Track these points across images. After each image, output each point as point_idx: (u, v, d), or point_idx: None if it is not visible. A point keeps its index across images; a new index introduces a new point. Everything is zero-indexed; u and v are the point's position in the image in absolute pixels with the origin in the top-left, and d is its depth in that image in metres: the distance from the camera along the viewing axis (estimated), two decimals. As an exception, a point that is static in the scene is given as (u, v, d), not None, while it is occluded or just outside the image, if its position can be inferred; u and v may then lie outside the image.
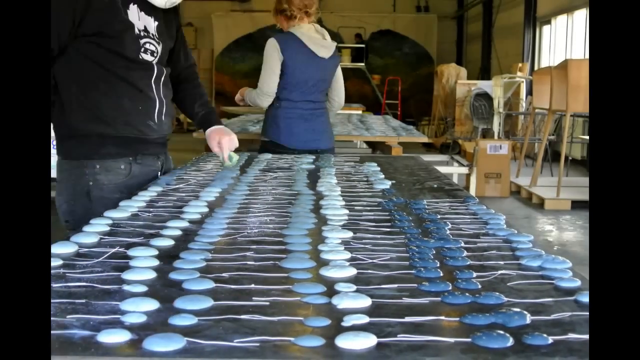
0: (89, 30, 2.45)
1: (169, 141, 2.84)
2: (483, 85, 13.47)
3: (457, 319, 1.21)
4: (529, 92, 12.06)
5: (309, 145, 3.89)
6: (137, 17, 2.57)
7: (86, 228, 1.81)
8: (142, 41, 2.58)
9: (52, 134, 2.55)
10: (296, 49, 3.91)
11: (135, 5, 2.57)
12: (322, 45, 3.93)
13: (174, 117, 2.86)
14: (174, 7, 2.75)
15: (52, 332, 1.10)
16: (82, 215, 2.40)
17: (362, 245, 1.69)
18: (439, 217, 2.02)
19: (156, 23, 2.65)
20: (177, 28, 2.86)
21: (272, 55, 3.95)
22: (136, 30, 2.56)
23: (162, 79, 2.67)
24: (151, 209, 2.09)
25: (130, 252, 1.58)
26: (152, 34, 2.63)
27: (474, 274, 1.46)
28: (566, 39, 13.32)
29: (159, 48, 2.65)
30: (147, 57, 2.61)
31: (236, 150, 2.90)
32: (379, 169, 3.03)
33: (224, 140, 2.82)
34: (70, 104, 2.53)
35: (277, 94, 4.01)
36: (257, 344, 1.08)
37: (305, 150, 3.78)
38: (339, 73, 4.15)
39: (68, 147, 2.59)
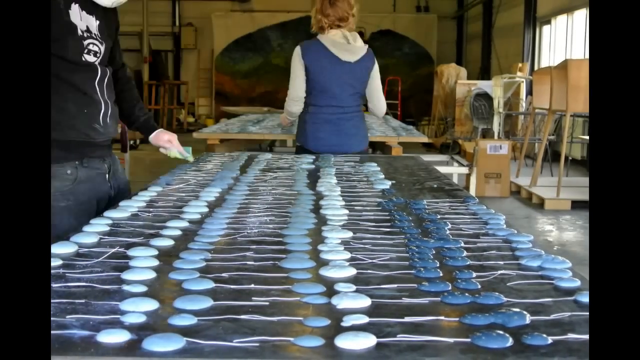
0: None
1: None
2: (483, 85, 13.47)
3: (457, 319, 1.21)
4: (529, 92, 12.06)
5: (335, 149, 3.86)
6: (79, 17, 2.47)
7: (86, 228, 1.81)
8: (86, 42, 2.48)
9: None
10: (318, 53, 3.90)
11: (77, 5, 2.47)
12: (346, 49, 3.90)
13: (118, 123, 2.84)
14: (112, 8, 2.67)
15: (52, 332, 1.10)
16: None
17: (362, 245, 1.69)
18: (438, 217, 2.02)
19: (97, 22, 2.55)
20: (116, 27, 2.76)
21: (295, 61, 3.99)
22: (79, 32, 2.46)
23: (106, 80, 2.58)
24: (151, 209, 2.09)
25: (130, 252, 1.58)
26: (95, 34, 2.53)
27: (474, 274, 1.46)
28: (566, 39, 13.32)
29: (102, 48, 2.55)
30: (90, 58, 2.50)
31: (237, 150, 2.92)
32: (379, 169, 3.03)
33: (174, 138, 2.91)
34: None
35: (305, 99, 4.00)
36: (257, 344, 1.09)
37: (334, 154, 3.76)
38: (373, 77, 4.06)
39: None
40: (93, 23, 2.53)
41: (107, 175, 2.64)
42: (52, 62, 2.31)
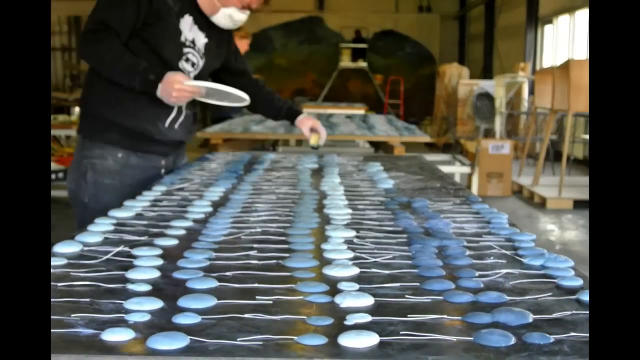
0: (143, 24, 2.52)
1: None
2: (485, 85, 13.46)
3: (459, 317, 1.22)
4: (531, 92, 12.05)
5: None
6: (188, 28, 2.63)
7: (91, 227, 1.82)
8: (185, 50, 2.64)
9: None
10: None
11: (191, 18, 2.64)
12: None
13: (194, 131, 2.94)
14: (229, 30, 2.84)
15: (56, 330, 1.11)
16: (80, 195, 2.63)
17: (365, 244, 1.70)
18: (441, 216, 2.02)
19: (206, 40, 2.72)
20: (231, 49, 2.95)
21: None
22: (182, 38, 2.61)
23: None
24: (155, 209, 2.09)
25: (135, 252, 1.59)
26: (199, 49, 2.69)
27: (476, 273, 1.46)
28: (568, 38, 13.31)
29: (201, 62, 2.70)
30: (187, 67, 2.65)
31: (240, 150, 2.94)
32: (382, 168, 3.04)
33: (317, 124, 3.08)
34: (93, 84, 2.62)
35: None
36: (260, 343, 1.09)
37: None
38: None
39: (82, 125, 2.71)
40: (201, 39, 2.70)
41: (162, 171, 2.77)
42: (147, 57, 2.50)
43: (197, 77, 2.68)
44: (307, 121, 3.07)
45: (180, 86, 2.43)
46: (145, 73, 2.44)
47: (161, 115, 2.65)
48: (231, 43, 2.98)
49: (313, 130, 3.06)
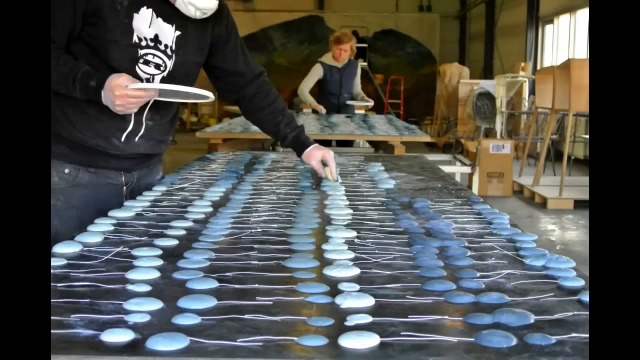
0: (84, 29, 2.17)
1: (174, 144, 2.76)
2: (485, 84, 13.45)
3: (461, 318, 1.21)
4: (532, 92, 12.05)
5: None
6: (147, 23, 2.21)
7: (90, 227, 1.82)
8: (142, 52, 2.23)
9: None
10: None
11: (150, 10, 2.22)
12: None
13: (168, 141, 2.51)
14: (219, 14, 2.40)
15: (56, 331, 1.11)
16: None
17: (366, 245, 1.69)
18: (442, 216, 2.02)
19: (177, 33, 2.29)
20: (224, 39, 2.50)
21: None
22: (135, 39, 2.20)
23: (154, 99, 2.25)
24: (155, 209, 2.09)
25: (134, 252, 1.59)
26: (166, 45, 2.27)
27: (478, 274, 1.46)
28: (569, 38, 13.30)
29: (169, 62, 2.29)
30: (149, 69, 2.25)
31: (240, 149, 2.92)
32: (382, 168, 3.03)
33: (329, 158, 2.59)
34: None
35: None
36: (261, 344, 1.09)
37: None
38: None
39: None
40: (169, 33, 2.27)
41: (124, 188, 2.40)
42: (94, 64, 2.15)
43: (168, 79, 2.29)
44: (315, 153, 2.61)
45: (122, 91, 2.05)
46: (85, 79, 2.08)
47: (114, 129, 2.27)
48: (222, 30, 2.48)
49: (324, 163, 2.61)
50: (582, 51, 12.45)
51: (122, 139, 2.29)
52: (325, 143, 6.45)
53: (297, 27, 20.57)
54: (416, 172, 3.02)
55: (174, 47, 2.29)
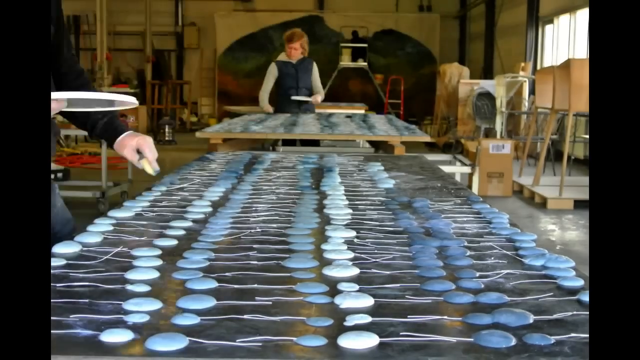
0: None
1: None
2: (485, 84, 13.45)
3: (460, 318, 1.21)
4: (532, 92, 12.04)
5: None
6: None
7: (90, 228, 1.82)
8: None
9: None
10: None
11: None
12: None
13: (57, 134, 2.26)
14: None
15: (55, 331, 1.11)
16: None
17: (365, 245, 1.69)
18: (442, 216, 2.02)
19: None
20: (60, 9, 2.19)
21: None
22: None
23: None
24: (155, 209, 2.09)
25: (134, 252, 1.59)
26: None
27: (477, 274, 1.46)
28: (569, 38, 13.30)
29: None
30: None
31: (240, 149, 2.90)
32: (382, 168, 3.03)
33: (146, 146, 2.22)
34: None
35: None
36: (260, 344, 1.09)
37: None
38: None
39: None
40: None
41: None
42: None
43: None
44: (129, 142, 2.21)
45: None
46: None
47: None
48: (57, 6, 2.16)
49: (141, 153, 2.23)
50: (582, 51, 12.45)
51: None
52: (292, 142, 6.54)
53: (297, 27, 20.56)
54: (416, 172, 3.02)
55: None
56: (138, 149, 2.22)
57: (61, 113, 2.17)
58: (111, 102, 1.98)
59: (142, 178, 8.90)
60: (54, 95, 1.82)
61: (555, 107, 8.69)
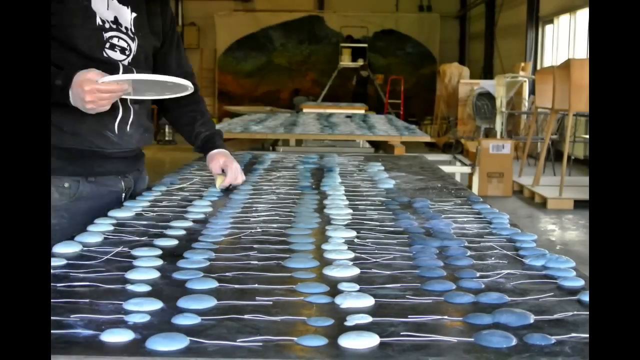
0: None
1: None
2: (485, 84, 13.45)
3: (460, 318, 1.21)
4: (532, 92, 12.05)
5: None
6: (105, 6, 2.12)
7: (90, 227, 1.82)
8: (107, 35, 2.12)
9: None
10: None
11: None
12: None
13: (151, 129, 2.39)
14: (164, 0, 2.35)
15: (56, 331, 1.11)
16: None
17: (366, 245, 1.69)
18: (442, 216, 2.02)
19: (134, 15, 2.20)
20: (169, 25, 2.39)
21: None
22: (98, 21, 2.10)
23: None
24: (155, 209, 2.09)
25: (134, 252, 1.59)
26: (126, 27, 2.18)
27: (477, 274, 1.46)
28: (569, 38, 13.31)
29: (133, 45, 2.19)
30: (115, 54, 2.14)
31: (240, 149, 2.90)
32: (382, 168, 3.03)
33: (233, 167, 2.41)
34: None
35: None
36: (260, 344, 1.09)
37: None
38: None
39: None
40: (127, 15, 2.18)
41: (123, 195, 2.30)
42: (62, 55, 2.03)
43: (132, 65, 2.18)
44: (218, 158, 2.43)
45: (92, 86, 1.91)
46: (51, 79, 1.95)
47: (105, 121, 2.15)
48: (168, 16, 2.40)
49: (224, 170, 2.43)
50: (582, 51, 12.46)
51: (116, 130, 2.18)
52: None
53: (297, 27, 20.57)
54: (416, 172, 3.02)
55: (133, 30, 2.20)
56: (223, 167, 2.42)
57: (172, 125, 2.59)
58: (174, 89, 2.16)
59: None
60: (117, 77, 1.97)
61: (555, 107, 8.70)
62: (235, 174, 2.41)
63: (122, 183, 2.30)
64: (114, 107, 2.09)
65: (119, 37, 2.15)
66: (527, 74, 13.00)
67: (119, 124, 2.19)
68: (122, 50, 2.16)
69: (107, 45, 2.13)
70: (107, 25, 2.13)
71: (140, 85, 2.08)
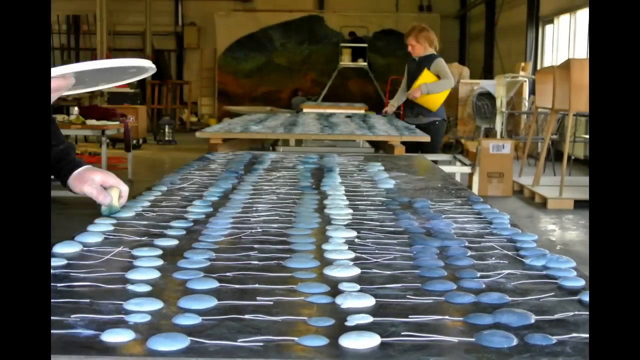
0: None
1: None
2: (486, 84, 13.46)
3: (461, 318, 1.21)
4: (532, 92, 12.05)
5: None
6: None
7: (90, 227, 1.81)
8: None
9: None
10: None
11: None
12: None
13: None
14: None
15: (56, 331, 1.11)
16: None
17: (366, 245, 1.69)
18: (443, 216, 2.02)
19: None
20: None
21: None
22: None
23: None
24: (155, 209, 2.09)
25: (135, 252, 1.59)
26: None
27: (478, 274, 1.46)
28: (569, 38, 13.31)
29: None
30: None
31: (240, 149, 2.90)
32: (382, 168, 3.03)
33: (114, 181, 1.95)
34: None
35: None
36: (261, 344, 1.09)
37: None
38: None
39: None
40: None
41: None
42: None
43: None
44: (90, 176, 1.93)
45: None
46: None
47: None
48: None
49: (106, 187, 1.94)
50: (582, 51, 12.46)
51: None
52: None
53: (297, 27, 20.58)
54: (416, 172, 3.02)
55: None
56: (102, 184, 1.95)
57: None
58: (125, 74, 1.78)
59: (142, 178, 8.90)
60: (58, 70, 1.59)
61: (555, 107, 8.70)
62: (124, 184, 1.98)
63: None
64: None
65: None
66: (527, 74, 13.01)
67: None
68: None
69: None
70: None
71: (88, 76, 1.72)
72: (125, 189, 1.95)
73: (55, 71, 1.58)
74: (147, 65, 1.73)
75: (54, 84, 1.59)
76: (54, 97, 1.63)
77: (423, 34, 7.42)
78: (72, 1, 18.18)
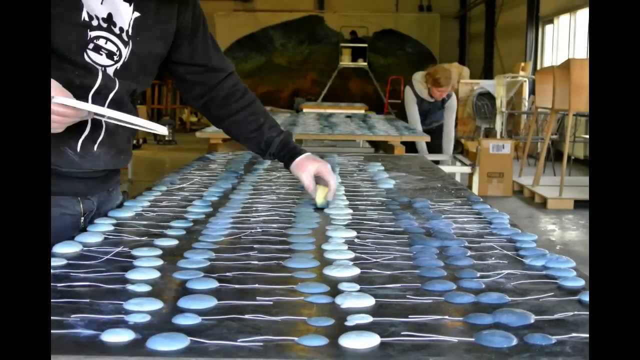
0: None
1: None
2: (486, 84, 13.46)
3: (461, 318, 1.21)
4: (532, 92, 12.05)
5: None
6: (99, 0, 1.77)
7: (91, 228, 1.81)
8: (93, 34, 1.76)
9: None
10: None
11: None
12: None
13: (129, 152, 2.05)
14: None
15: (56, 331, 1.11)
16: None
17: (366, 245, 1.69)
18: (442, 216, 2.02)
19: (136, 14, 1.84)
20: (191, 28, 2.04)
21: None
22: (84, 15, 1.74)
23: (113, 95, 1.84)
24: (155, 209, 2.09)
25: (135, 252, 1.59)
26: (121, 28, 1.82)
27: (478, 274, 1.46)
28: (569, 38, 13.32)
29: (125, 50, 1.84)
30: (99, 58, 1.79)
31: (240, 150, 2.89)
32: (382, 168, 3.03)
33: (327, 175, 2.10)
34: None
35: None
36: (261, 344, 1.09)
37: None
38: None
39: None
40: (126, 13, 1.82)
41: (81, 219, 1.96)
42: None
43: (120, 73, 1.84)
44: (308, 165, 2.10)
45: None
46: None
47: (66, 137, 1.77)
48: (188, 18, 2.01)
49: (318, 180, 2.13)
50: (582, 51, 12.46)
51: (78, 148, 1.83)
52: None
53: (297, 27, 20.59)
54: (416, 172, 3.02)
55: (130, 32, 1.84)
56: (317, 174, 2.10)
57: (230, 134, 2.27)
58: (151, 125, 1.75)
59: (142, 178, 8.87)
60: (75, 103, 1.59)
61: (555, 107, 8.70)
62: (334, 178, 2.12)
63: (81, 205, 1.96)
64: (80, 122, 1.72)
65: (108, 39, 1.79)
66: (527, 74, 13.01)
67: (83, 142, 1.84)
68: (110, 55, 1.81)
69: (91, 46, 1.77)
70: (94, 23, 1.76)
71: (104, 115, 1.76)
72: (333, 182, 2.10)
73: (70, 102, 1.57)
74: (162, 132, 1.73)
75: (68, 110, 1.59)
76: (61, 124, 1.62)
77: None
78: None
